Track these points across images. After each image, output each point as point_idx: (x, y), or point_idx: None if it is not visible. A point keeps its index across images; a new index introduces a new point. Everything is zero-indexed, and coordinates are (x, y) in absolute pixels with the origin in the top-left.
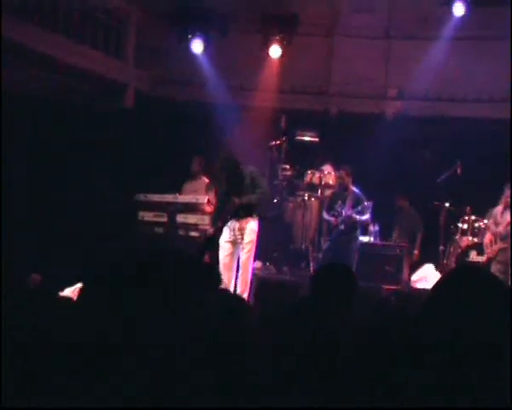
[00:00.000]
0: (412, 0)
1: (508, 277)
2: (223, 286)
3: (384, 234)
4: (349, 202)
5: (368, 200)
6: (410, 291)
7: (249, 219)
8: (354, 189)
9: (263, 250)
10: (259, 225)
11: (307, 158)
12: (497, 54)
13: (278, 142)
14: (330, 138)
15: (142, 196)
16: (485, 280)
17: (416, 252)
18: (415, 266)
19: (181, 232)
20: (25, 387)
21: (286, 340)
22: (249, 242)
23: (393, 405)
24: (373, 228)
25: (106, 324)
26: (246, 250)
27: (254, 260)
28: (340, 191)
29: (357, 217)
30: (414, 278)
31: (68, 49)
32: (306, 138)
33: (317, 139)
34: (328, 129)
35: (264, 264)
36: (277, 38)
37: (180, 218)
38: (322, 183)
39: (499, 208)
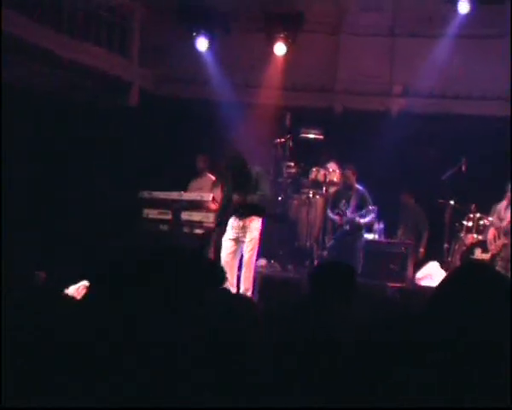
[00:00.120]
0: None
1: (508, 273)
2: (227, 284)
3: (389, 232)
4: (353, 202)
5: (373, 198)
6: (415, 289)
7: (253, 217)
8: (359, 187)
9: (267, 248)
10: (263, 222)
11: (312, 155)
12: (501, 52)
13: (283, 139)
14: (335, 136)
15: (146, 194)
16: (491, 278)
17: (421, 250)
18: (420, 264)
19: (185, 230)
20: (25, 387)
21: (286, 338)
22: (252, 240)
23: (394, 404)
24: (378, 226)
25: (107, 322)
26: (249, 248)
27: (259, 258)
28: (345, 190)
29: (361, 220)
30: (418, 275)
31: (72, 46)
32: (311, 136)
33: (321, 137)
34: (332, 126)
35: (268, 262)
36: (282, 35)
37: (185, 215)
38: (327, 180)
39: (503, 204)
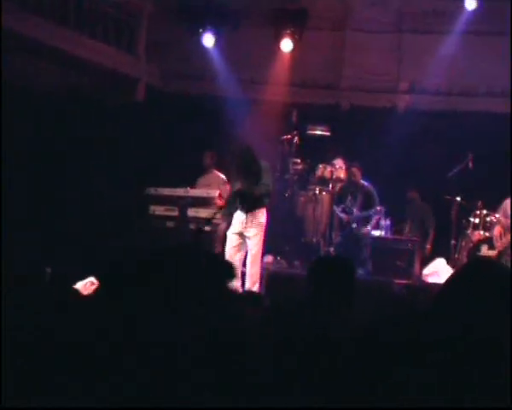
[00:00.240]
0: None
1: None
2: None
3: (396, 228)
4: (360, 199)
5: (379, 194)
6: (422, 285)
7: (257, 211)
8: (365, 183)
9: (274, 244)
10: (268, 218)
11: (318, 152)
12: (508, 48)
13: (289, 136)
14: (341, 132)
15: (152, 190)
16: (498, 274)
17: (428, 247)
18: (426, 261)
19: (192, 226)
20: (25, 387)
21: (286, 337)
22: (256, 235)
23: (394, 404)
24: (384, 222)
25: (106, 322)
26: (254, 243)
27: (265, 254)
28: (350, 186)
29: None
30: (425, 272)
31: (79, 43)
32: (317, 132)
33: (328, 133)
34: (339, 123)
35: (275, 258)
36: (288, 31)
37: (191, 212)
38: (334, 177)
39: (510, 200)
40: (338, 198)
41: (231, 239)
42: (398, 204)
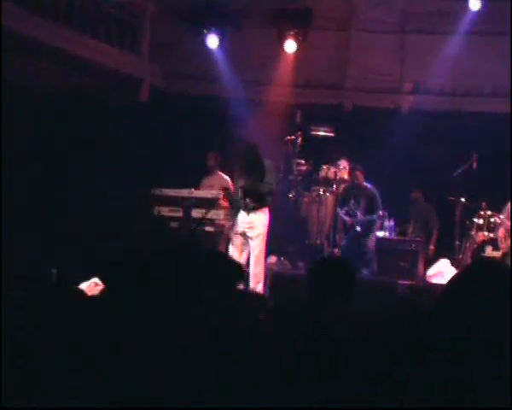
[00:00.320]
0: None
1: None
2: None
3: (399, 229)
4: (363, 202)
5: (383, 195)
6: (426, 286)
7: (259, 212)
8: (368, 185)
9: (278, 245)
10: (270, 219)
11: (322, 153)
12: None
13: (293, 137)
14: (345, 133)
15: (157, 191)
16: (502, 275)
17: (431, 247)
18: (430, 262)
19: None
20: (25, 387)
21: (287, 337)
22: (259, 235)
23: (395, 404)
24: (388, 223)
25: (107, 322)
26: (257, 243)
27: (269, 255)
28: (353, 188)
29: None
30: (429, 273)
31: (81, 43)
32: (321, 133)
33: (331, 134)
34: (343, 124)
35: (279, 259)
36: (292, 32)
37: (195, 213)
38: (338, 178)
39: None
40: (341, 200)
41: (235, 240)
42: (402, 205)
